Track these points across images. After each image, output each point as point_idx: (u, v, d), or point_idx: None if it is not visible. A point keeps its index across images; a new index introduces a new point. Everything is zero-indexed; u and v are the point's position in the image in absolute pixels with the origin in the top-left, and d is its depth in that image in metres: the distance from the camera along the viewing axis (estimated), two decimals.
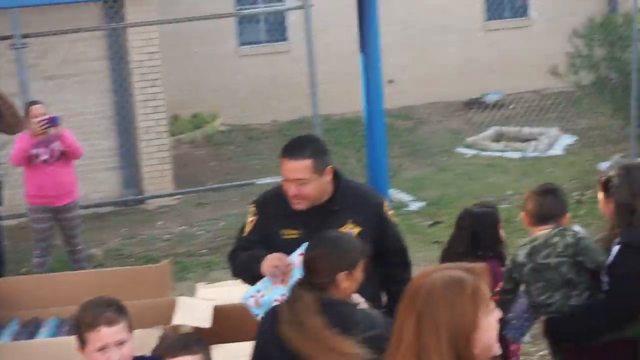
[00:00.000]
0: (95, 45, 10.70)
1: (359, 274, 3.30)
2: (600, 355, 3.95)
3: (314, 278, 3.25)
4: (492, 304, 2.27)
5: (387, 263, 3.91)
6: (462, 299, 2.19)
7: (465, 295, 2.20)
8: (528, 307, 4.13)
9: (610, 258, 3.88)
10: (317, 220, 3.69)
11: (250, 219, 3.90)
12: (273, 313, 3.28)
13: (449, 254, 4.80)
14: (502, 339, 2.48)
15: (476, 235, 4.71)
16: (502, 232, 4.80)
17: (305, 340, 3.07)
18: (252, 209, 3.93)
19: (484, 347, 2.22)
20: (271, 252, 3.73)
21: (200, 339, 3.40)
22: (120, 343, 3.08)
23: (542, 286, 3.99)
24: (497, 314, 2.27)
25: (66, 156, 7.56)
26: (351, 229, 3.73)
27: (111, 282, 4.58)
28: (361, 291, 3.39)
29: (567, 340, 4.01)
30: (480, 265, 2.34)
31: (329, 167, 3.70)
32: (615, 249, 3.89)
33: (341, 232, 3.60)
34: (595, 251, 3.91)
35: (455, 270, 2.27)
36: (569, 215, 4.15)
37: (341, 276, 3.23)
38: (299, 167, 3.62)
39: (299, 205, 3.69)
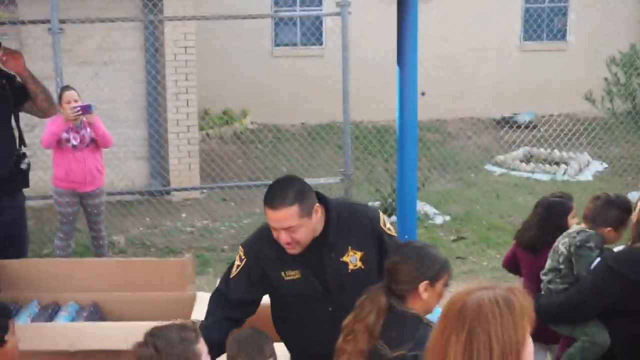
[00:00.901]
0: (132, 35, 10.75)
1: (440, 287, 3.25)
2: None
3: (394, 284, 3.22)
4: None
5: None
6: (512, 315, 2.18)
7: (514, 312, 2.19)
8: None
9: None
10: (316, 257, 3.62)
11: (237, 263, 3.76)
12: None
13: (522, 237, 5.08)
14: None
15: (544, 222, 4.91)
16: (572, 221, 4.80)
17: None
18: (241, 251, 3.77)
19: None
20: (276, 294, 3.71)
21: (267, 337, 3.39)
22: None
23: (548, 264, 4.54)
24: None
25: (96, 144, 7.61)
26: (353, 255, 3.65)
27: (133, 271, 4.57)
28: None
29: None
30: (519, 287, 2.34)
31: (315, 205, 3.56)
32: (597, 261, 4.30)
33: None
34: (584, 264, 4.32)
35: (498, 289, 2.26)
36: (610, 230, 4.38)
37: (423, 285, 3.19)
38: (285, 216, 3.47)
39: (294, 251, 3.59)
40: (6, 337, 3.12)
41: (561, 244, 4.47)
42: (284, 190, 3.51)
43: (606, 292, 4.20)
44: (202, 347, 2.91)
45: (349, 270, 3.65)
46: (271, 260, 3.66)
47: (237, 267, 3.75)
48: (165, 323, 2.96)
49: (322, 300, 3.68)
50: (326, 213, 3.64)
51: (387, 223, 3.80)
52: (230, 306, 3.65)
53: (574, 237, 4.40)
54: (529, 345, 2.23)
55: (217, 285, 3.86)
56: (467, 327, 2.18)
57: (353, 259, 3.65)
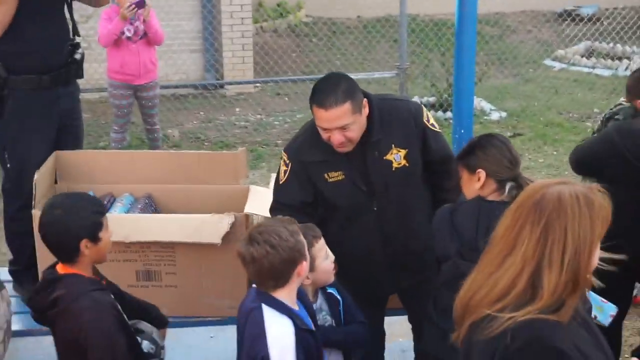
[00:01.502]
0: None
1: None
2: None
3: None
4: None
5: (434, 172, 3.75)
6: (591, 213, 2.16)
7: (593, 210, 2.17)
8: None
9: None
10: (360, 156, 3.56)
11: (284, 168, 3.70)
12: None
13: None
14: None
15: None
16: None
17: None
18: (284, 156, 3.72)
19: (593, 266, 2.21)
20: (320, 196, 3.65)
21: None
22: None
23: None
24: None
25: (149, 37, 7.60)
26: (397, 153, 3.58)
27: (187, 164, 4.57)
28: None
29: None
30: (600, 187, 2.27)
31: (364, 100, 3.48)
32: None
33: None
34: None
35: (578, 186, 2.23)
36: None
37: None
38: (339, 114, 3.38)
39: (345, 149, 3.51)
40: (100, 235, 3.13)
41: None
42: (333, 88, 3.42)
43: (602, 157, 4.16)
44: (302, 237, 3.00)
45: (393, 169, 3.60)
46: (314, 163, 3.61)
47: (285, 173, 3.71)
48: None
49: (366, 200, 3.63)
50: (370, 110, 3.55)
51: (431, 118, 3.72)
52: (290, 212, 3.50)
53: (610, 109, 4.60)
54: (598, 247, 2.20)
55: (272, 199, 3.82)
56: (544, 219, 2.17)
57: (397, 156, 3.59)
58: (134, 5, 7.32)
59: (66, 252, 3.11)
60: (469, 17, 4.55)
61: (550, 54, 12.49)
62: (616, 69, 11.61)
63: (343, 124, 3.40)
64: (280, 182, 3.73)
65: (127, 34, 7.51)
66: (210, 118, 9.69)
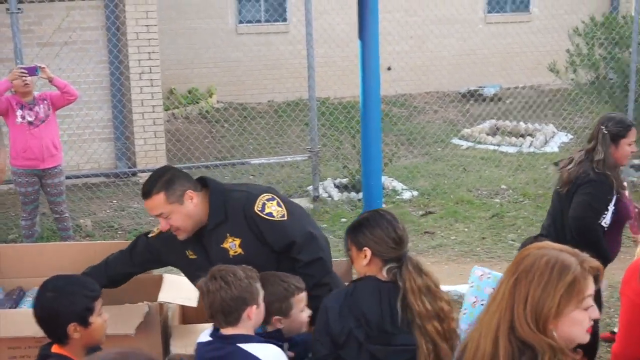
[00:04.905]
0: (92, 15, 10.60)
1: None
2: None
3: None
4: (589, 303, 2.37)
5: (288, 259, 3.76)
6: (556, 284, 2.33)
7: (561, 281, 2.33)
8: None
9: None
10: (200, 242, 3.78)
11: (157, 227, 3.96)
12: None
13: None
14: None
15: None
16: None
17: None
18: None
19: (564, 336, 2.35)
20: (181, 267, 3.97)
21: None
22: None
23: None
24: (593, 313, 2.39)
25: (51, 119, 7.54)
26: (232, 242, 3.72)
27: (100, 255, 4.51)
28: None
29: None
30: (597, 264, 2.41)
31: (187, 192, 3.69)
32: None
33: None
34: None
35: (570, 255, 2.38)
36: None
37: None
38: (153, 204, 3.68)
39: (181, 236, 3.77)
40: (91, 319, 3.12)
41: None
42: (152, 180, 3.71)
43: None
44: (259, 286, 3.28)
45: (230, 256, 3.71)
46: (177, 239, 3.81)
47: (157, 230, 3.97)
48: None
49: None
50: (209, 200, 3.74)
51: (268, 208, 3.73)
52: (131, 264, 4.07)
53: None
54: (569, 321, 2.34)
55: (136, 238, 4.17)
56: (516, 275, 2.38)
57: (232, 245, 3.73)
58: (25, 71, 7.30)
59: (56, 334, 3.12)
60: (373, 99, 4.67)
61: (457, 132, 12.86)
62: (520, 146, 12.02)
63: (158, 212, 3.68)
64: (149, 235, 4.05)
65: (29, 118, 7.44)
66: (124, 206, 9.59)
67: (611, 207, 4.96)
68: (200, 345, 3.27)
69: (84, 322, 3.10)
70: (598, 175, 4.96)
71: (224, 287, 3.17)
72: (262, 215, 3.68)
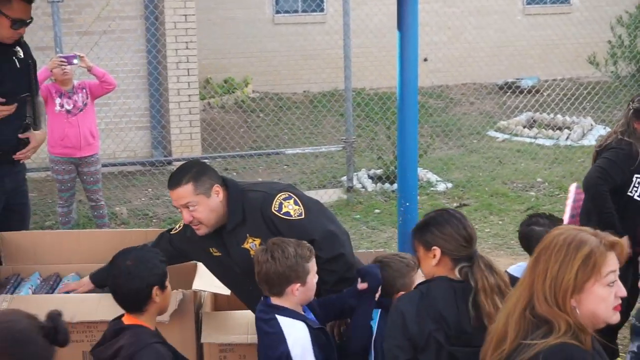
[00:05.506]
0: (131, 4, 10.67)
1: None
2: None
3: None
4: (612, 279, 2.42)
5: None
6: (572, 258, 2.41)
7: (577, 255, 2.41)
8: None
9: None
10: (221, 242, 3.81)
11: (180, 224, 4.06)
12: None
13: None
14: None
15: None
16: None
17: None
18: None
19: (588, 313, 2.41)
20: (206, 264, 4.05)
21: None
22: None
23: None
24: (619, 291, 2.43)
25: (89, 108, 7.59)
26: (252, 242, 3.73)
27: (135, 242, 4.53)
28: None
29: None
30: (619, 240, 2.47)
31: (215, 185, 3.72)
32: None
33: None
34: None
35: (589, 234, 2.45)
36: None
37: None
38: (181, 193, 3.70)
39: (200, 231, 3.78)
40: (166, 283, 3.28)
41: None
42: (181, 171, 3.74)
43: None
44: (312, 265, 3.39)
45: (252, 256, 3.69)
46: (200, 236, 3.84)
47: (179, 227, 4.07)
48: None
49: (241, 279, 3.85)
50: (227, 199, 3.75)
51: (286, 208, 3.72)
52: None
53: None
54: (591, 296, 2.40)
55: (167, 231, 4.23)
56: (536, 254, 2.50)
57: (252, 245, 3.74)
58: (64, 59, 7.34)
59: (136, 301, 3.22)
60: (410, 91, 4.65)
61: (493, 125, 12.76)
62: (557, 139, 11.90)
63: (185, 202, 3.69)
64: (172, 233, 4.13)
65: (67, 107, 7.50)
66: (159, 195, 9.66)
67: (638, 178, 4.92)
68: (258, 304, 3.46)
69: (163, 286, 3.26)
70: (619, 143, 4.98)
71: (270, 261, 3.31)
72: (280, 215, 3.68)
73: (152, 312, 3.25)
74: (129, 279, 3.20)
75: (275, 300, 3.37)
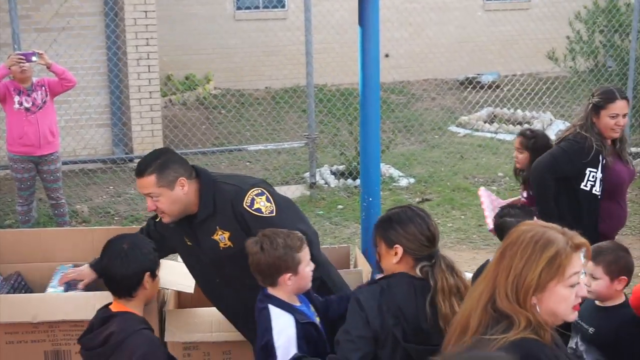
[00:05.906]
0: (90, 0, 10.56)
1: None
2: None
3: None
4: (575, 280, 2.42)
5: None
6: (537, 257, 2.40)
7: (543, 255, 2.40)
8: None
9: None
10: (192, 232, 3.79)
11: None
12: None
13: None
14: None
15: None
16: None
17: None
18: None
19: (548, 311, 2.41)
20: (180, 253, 4.05)
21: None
22: None
23: None
24: (580, 291, 2.44)
25: (48, 105, 7.51)
26: (222, 235, 3.71)
27: (96, 240, 4.51)
28: None
29: None
30: (586, 241, 2.46)
31: (180, 178, 3.67)
32: None
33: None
34: None
35: (556, 232, 2.44)
36: None
37: None
38: (144, 183, 3.68)
39: (165, 220, 3.77)
40: (157, 272, 3.35)
41: None
42: (148, 160, 3.71)
43: None
44: (303, 255, 3.40)
45: (221, 248, 3.72)
46: (180, 224, 3.82)
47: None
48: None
49: (209, 271, 3.85)
50: (199, 191, 3.73)
51: (257, 203, 3.70)
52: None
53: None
54: (553, 296, 2.40)
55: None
56: (502, 248, 2.48)
57: (222, 237, 3.73)
58: (23, 57, 7.26)
59: (129, 285, 3.25)
60: (372, 87, 4.67)
61: (454, 120, 12.85)
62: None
63: (147, 192, 3.68)
64: (157, 220, 4.07)
65: (26, 105, 7.42)
66: (120, 192, 9.59)
67: (592, 172, 4.97)
68: (259, 294, 3.47)
69: (153, 274, 3.31)
70: (575, 136, 5.06)
71: (260, 253, 3.34)
72: (251, 211, 3.66)
73: (141, 298, 3.30)
74: (125, 261, 3.25)
75: (270, 290, 3.40)
